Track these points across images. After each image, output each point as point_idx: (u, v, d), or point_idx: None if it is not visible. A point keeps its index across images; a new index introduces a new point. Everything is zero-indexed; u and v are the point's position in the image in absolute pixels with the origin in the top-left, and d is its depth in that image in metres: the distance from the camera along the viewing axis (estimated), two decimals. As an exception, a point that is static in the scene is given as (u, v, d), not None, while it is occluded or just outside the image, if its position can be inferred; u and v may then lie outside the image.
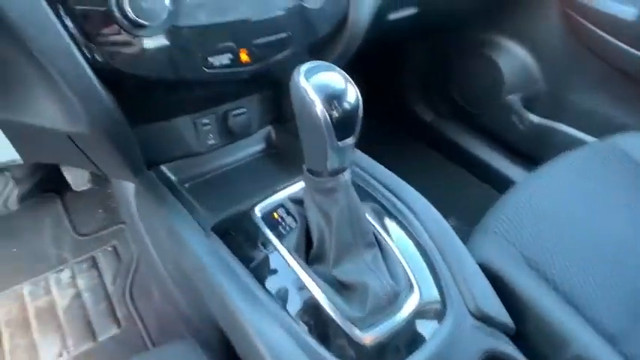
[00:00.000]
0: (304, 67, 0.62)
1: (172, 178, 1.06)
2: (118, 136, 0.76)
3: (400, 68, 2.11)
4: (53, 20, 0.58)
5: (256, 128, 1.14)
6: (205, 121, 1.02)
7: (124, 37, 0.63)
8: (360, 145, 0.70)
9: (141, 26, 0.62)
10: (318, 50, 0.95)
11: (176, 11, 0.66)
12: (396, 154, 2.03)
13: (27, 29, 0.57)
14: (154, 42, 0.66)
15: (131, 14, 0.60)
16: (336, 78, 0.62)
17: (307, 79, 0.60)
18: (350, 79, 0.62)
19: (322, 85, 0.60)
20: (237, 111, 1.05)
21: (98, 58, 0.63)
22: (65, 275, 1.52)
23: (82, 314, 1.42)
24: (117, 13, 0.60)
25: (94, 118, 0.68)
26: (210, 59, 0.73)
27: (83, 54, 0.62)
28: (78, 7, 0.60)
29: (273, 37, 0.80)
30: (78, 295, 1.47)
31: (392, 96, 2.21)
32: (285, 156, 1.16)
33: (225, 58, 0.75)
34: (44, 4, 0.58)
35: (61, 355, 1.31)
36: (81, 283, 1.50)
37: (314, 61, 0.63)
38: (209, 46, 0.72)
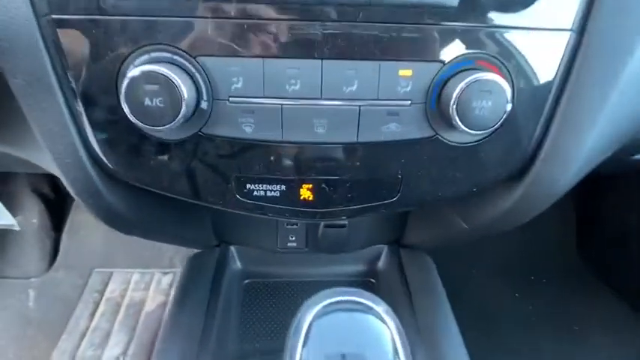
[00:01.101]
0: (325, 302, 0.32)
1: (237, 265, 0.87)
2: (137, 229, 0.60)
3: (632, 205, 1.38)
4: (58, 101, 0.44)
5: (357, 247, 0.84)
6: (292, 219, 0.78)
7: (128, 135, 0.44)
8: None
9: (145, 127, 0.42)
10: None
11: (209, 114, 0.43)
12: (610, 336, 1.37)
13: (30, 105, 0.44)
14: (166, 151, 0.45)
15: (129, 114, 0.40)
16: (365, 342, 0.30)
17: (316, 319, 0.31)
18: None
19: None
20: (335, 221, 0.77)
21: (97, 150, 0.46)
22: (166, 280, 1.57)
23: (155, 327, 1.42)
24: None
25: (95, 212, 0.53)
26: (250, 186, 0.48)
27: (86, 146, 0.46)
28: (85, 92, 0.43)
29: (367, 176, 0.48)
30: (163, 305, 1.48)
31: (615, 248, 1.49)
32: (384, 293, 0.82)
33: (273, 190, 0.48)
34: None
35: (117, 359, 1.33)
36: (172, 294, 1.51)
37: (352, 293, 0.32)
38: (252, 168, 0.47)
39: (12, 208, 1.66)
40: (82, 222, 1.72)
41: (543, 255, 1.56)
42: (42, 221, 1.64)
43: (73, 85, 0.43)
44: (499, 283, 1.40)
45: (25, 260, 1.58)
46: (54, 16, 0.41)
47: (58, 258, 1.61)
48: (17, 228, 0.78)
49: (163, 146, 0.46)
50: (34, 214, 1.65)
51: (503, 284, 1.44)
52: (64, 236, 1.65)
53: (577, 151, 0.52)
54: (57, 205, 1.70)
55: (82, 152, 0.47)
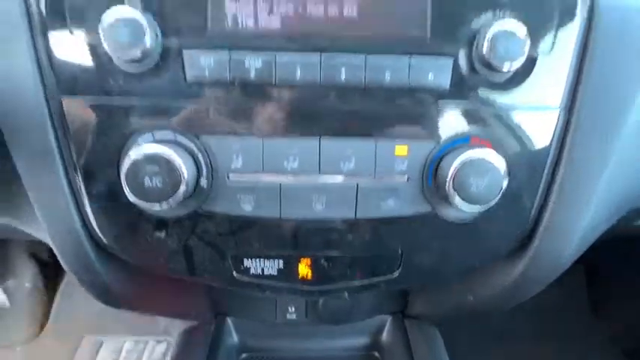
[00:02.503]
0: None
1: (234, 339, 0.83)
2: (129, 304, 0.58)
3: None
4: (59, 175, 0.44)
5: (360, 317, 0.80)
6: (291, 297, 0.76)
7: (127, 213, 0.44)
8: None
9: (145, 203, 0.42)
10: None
11: (208, 191, 0.44)
12: None
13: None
14: (163, 228, 0.45)
15: (128, 193, 0.40)
16: None
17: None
18: None
19: None
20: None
21: (94, 226, 0.46)
22: (160, 349, 1.49)
23: (146, 403, 1.32)
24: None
25: (88, 287, 0.51)
26: (247, 263, 0.47)
27: (83, 221, 0.46)
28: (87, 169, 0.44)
29: (367, 252, 0.48)
30: (155, 378, 1.40)
31: (628, 310, 1.44)
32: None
33: (270, 267, 0.48)
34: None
35: None
36: (165, 368, 1.43)
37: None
38: (250, 245, 0.47)
39: (6, 271, 1.62)
40: (77, 286, 1.68)
41: (553, 317, 1.50)
42: (35, 284, 1.59)
43: (76, 162, 0.44)
44: (508, 348, 1.33)
45: (12, 327, 1.51)
46: (63, 98, 0.43)
47: (48, 324, 1.55)
48: (7, 305, 0.76)
49: (161, 223, 0.46)
50: (27, 278, 1.61)
51: (513, 349, 1.37)
52: (57, 299, 1.60)
53: (576, 225, 0.51)
54: (52, 268, 1.66)
55: (79, 227, 0.47)
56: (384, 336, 0.82)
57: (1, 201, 0.58)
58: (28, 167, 0.46)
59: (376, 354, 0.81)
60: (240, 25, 0.42)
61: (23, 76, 0.43)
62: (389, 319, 0.83)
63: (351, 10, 0.42)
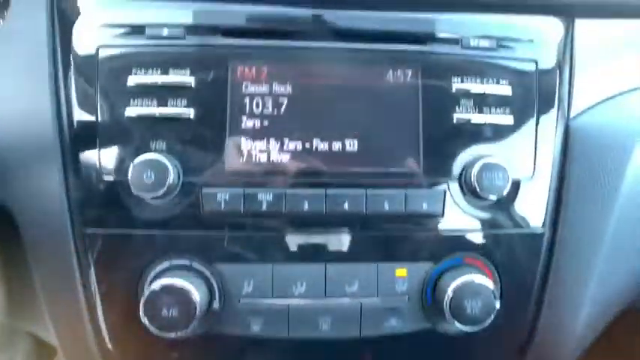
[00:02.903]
0: None
1: None
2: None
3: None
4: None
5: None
6: None
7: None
8: None
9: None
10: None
11: (220, 314, 0.47)
12: None
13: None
14: (175, 349, 0.47)
15: (147, 324, 0.43)
16: None
17: None
18: None
19: None
20: None
21: (108, 345, 0.48)
22: None
23: None
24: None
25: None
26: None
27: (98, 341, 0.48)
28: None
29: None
30: None
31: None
32: None
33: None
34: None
35: None
36: None
37: None
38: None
39: (-1, 347, 1.57)
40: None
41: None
42: (26, 362, 1.54)
43: (95, 286, 0.47)
44: None
45: (2, 408, 1.44)
46: (88, 230, 0.47)
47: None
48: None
49: (173, 345, 0.48)
50: (20, 355, 1.56)
51: None
52: (47, 379, 1.54)
53: (569, 331, 0.54)
54: (45, 346, 1.61)
55: (91, 342, 0.49)
56: None
57: (14, 307, 0.60)
58: (47, 283, 0.49)
59: None
60: (253, 164, 0.47)
61: (52, 208, 0.47)
62: None
63: (352, 147, 0.48)
